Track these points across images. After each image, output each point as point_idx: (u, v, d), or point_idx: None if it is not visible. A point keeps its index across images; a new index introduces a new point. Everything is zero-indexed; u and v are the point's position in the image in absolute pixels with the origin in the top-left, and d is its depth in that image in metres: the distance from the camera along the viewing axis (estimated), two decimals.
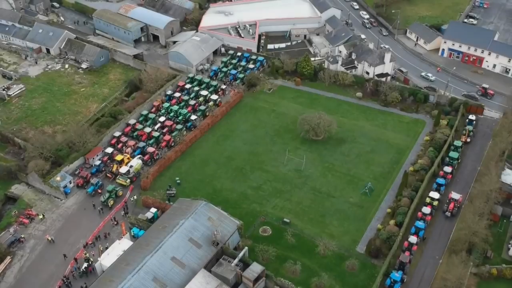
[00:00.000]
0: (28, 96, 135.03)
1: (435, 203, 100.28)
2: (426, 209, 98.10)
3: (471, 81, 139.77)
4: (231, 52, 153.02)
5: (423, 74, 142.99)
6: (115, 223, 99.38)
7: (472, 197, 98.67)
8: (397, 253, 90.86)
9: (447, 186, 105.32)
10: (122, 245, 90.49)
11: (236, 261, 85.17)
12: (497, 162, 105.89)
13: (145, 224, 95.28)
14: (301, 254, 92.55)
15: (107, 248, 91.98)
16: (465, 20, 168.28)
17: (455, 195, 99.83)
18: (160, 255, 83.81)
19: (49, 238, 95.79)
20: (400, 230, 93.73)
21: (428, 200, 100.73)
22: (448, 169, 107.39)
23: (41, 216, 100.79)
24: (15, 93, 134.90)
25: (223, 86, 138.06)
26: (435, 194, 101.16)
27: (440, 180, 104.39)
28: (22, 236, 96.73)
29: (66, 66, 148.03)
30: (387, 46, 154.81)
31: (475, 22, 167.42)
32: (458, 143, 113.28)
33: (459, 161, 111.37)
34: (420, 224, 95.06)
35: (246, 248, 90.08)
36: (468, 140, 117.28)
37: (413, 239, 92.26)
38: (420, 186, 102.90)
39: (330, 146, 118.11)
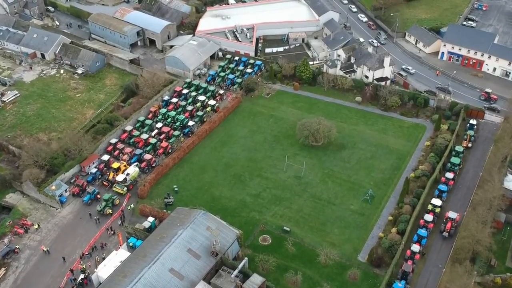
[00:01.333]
0: (22, 102, 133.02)
1: (437, 210, 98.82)
2: (428, 217, 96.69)
3: (471, 85, 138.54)
4: (228, 56, 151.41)
5: (403, 67, 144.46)
6: (112, 232, 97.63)
7: (474, 204, 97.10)
8: (400, 262, 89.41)
9: (449, 192, 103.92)
10: (119, 255, 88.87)
11: (236, 272, 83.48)
12: (500, 168, 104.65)
13: (142, 234, 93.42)
14: (302, 264, 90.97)
15: (103, 259, 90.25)
16: (464, 23, 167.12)
17: (452, 214, 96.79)
18: (158, 267, 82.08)
19: (45, 249, 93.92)
20: (402, 238, 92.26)
21: (430, 207, 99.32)
22: (450, 175, 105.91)
23: (36, 226, 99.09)
24: (9, 99, 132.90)
25: (221, 91, 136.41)
26: (437, 201, 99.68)
27: (442, 187, 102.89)
28: (17, 246, 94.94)
29: (61, 71, 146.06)
30: (375, 42, 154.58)
31: (474, 24, 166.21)
32: (459, 148, 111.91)
33: (461, 166, 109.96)
34: (422, 232, 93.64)
35: (246, 258, 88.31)
36: (469, 145, 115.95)
37: (415, 247, 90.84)
38: (421, 192, 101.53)
39: (330, 152, 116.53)
